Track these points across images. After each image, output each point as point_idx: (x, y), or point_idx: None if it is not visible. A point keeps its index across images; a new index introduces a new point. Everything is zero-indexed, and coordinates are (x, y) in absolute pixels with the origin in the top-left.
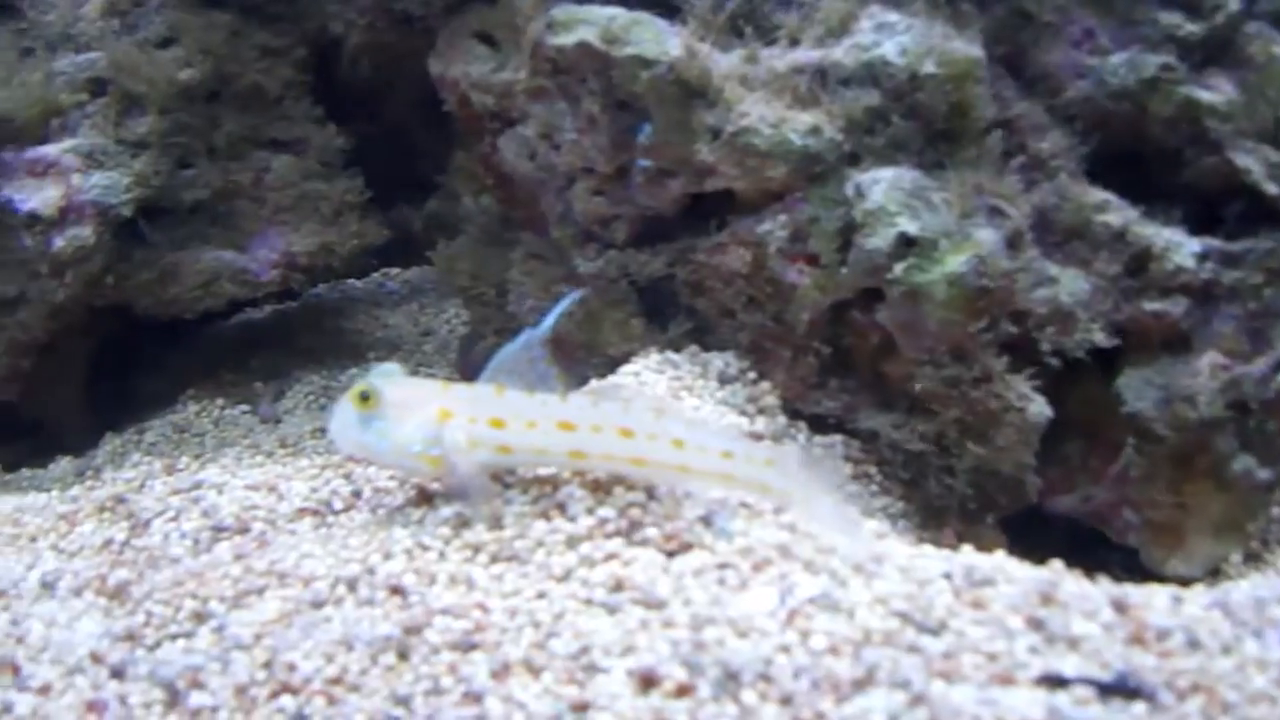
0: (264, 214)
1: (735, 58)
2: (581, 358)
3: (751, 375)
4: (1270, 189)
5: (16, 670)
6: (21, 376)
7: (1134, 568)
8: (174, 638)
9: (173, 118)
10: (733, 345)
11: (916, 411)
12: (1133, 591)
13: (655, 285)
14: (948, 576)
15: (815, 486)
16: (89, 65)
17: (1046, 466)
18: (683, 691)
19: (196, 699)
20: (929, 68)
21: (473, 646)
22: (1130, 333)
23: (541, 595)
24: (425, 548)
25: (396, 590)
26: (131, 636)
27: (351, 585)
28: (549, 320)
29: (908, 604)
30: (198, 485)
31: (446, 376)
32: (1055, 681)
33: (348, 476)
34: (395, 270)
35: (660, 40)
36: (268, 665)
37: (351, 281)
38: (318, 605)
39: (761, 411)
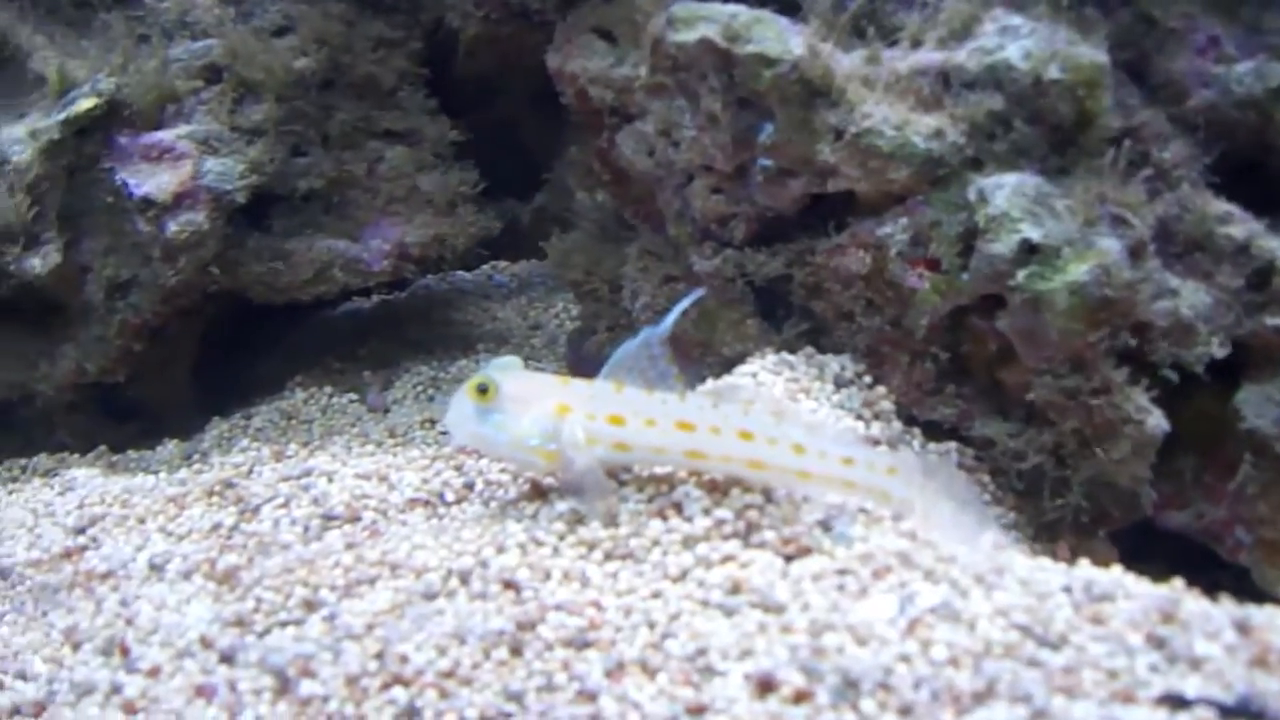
0: (377, 204)
1: (857, 58)
2: (696, 357)
3: (867, 379)
4: None
5: (126, 651)
6: (131, 359)
7: (1244, 588)
8: (284, 625)
9: (288, 106)
10: (849, 348)
11: (1033, 421)
12: (1256, 613)
13: (771, 286)
14: (1068, 590)
15: (936, 495)
16: (205, 52)
17: (1159, 481)
18: (801, 698)
19: (307, 687)
20: (1053, 73)
21: (587, 644)
22: (1251, 348)
23: (657, 595)
24: (539, 543)
25: (510, 585)
26: (241, 622)
27: (464, 578)
28: (669, 319)
29: (1028, 617)
30: (307, 473)
31: (556, 371)
32: (1177, 702)
33: (459, 468)
34: (503, 263)
35: (783, 39)
36: (379, 656)
37: (460, 273)
38: (430, 597)
39: (877, 416)
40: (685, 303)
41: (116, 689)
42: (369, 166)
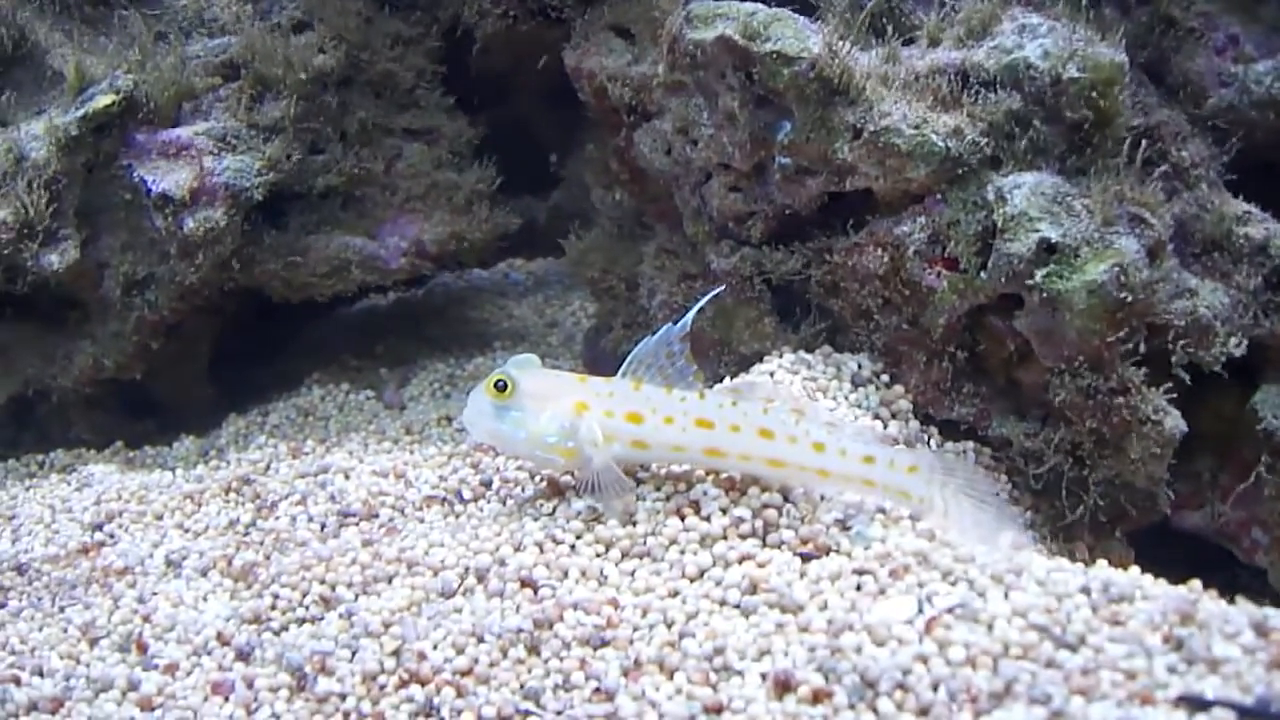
0: (395, 202)
1: (876, 57)
2: (713, 355)
3: (885, 378)
4: None
5: (143, 648)
6: (149, 356)
7: (1261, 589)
8: (301, 622)
9: (305, 103)
10: (866, 347)
11: (1050, 421)
12: (1273, 614)
13: (789, 284)
14: (1086, 591)
15: (956, 494)
16: (222, 49)
17: (1175, 481)
18: (818, 698)
19: (324, 685)
20: (1072, 72)
21: (604, 643)
22: (1269, 348)
23: (675, 594)
24: (557, 541)
25: (527, 583)
26: (258, 619)
27: (481, 576)
28: (689, 315)
29: (1046, 617)
30: (324, 470)
31: (573, 369)
32: (1195, 703)
33: (476, 466)
34: (520, 261)
35: (801, 37)
36: (397, 654)
37: (477, 271)
38: (447, 595)
39: (894, 415)
40: (704, 300)
41: (133, 685)
42: (387, 164)
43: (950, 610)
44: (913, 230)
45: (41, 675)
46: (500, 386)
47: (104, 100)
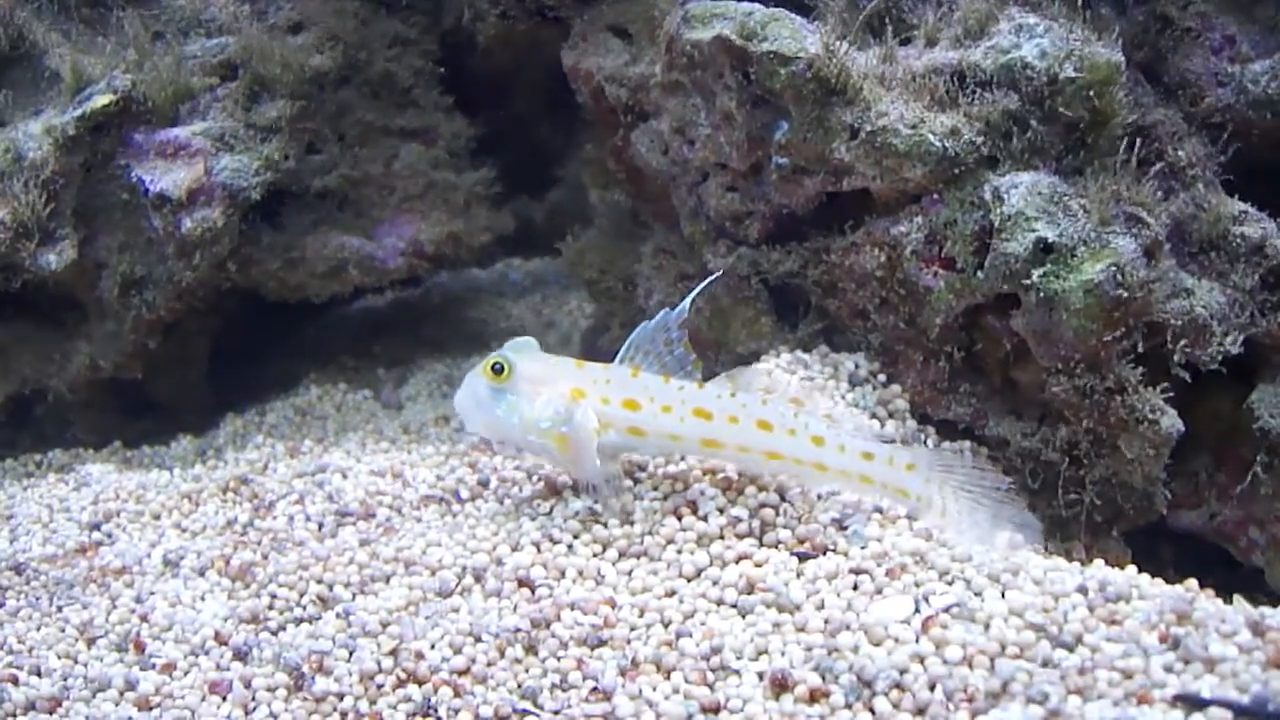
0: (392, 202)
1: (873, 56)
2: (710, 355)
3: (882, 378)
4: None
5: (141, 648)
6: (146, 355)
7: (1257, 588)
8: (299, 622)
9: (303, 103)
10: (863, 347)
11: (1047, 420)
12: (1270, 613)
13: (786, 284)
14: (1082, 590)
15: (954, 492)
16: (220, 49)
17: (1172, 481)
18: (815, 697)
19: (322, 684)
20: (1069, 71)
21: (601, 643)
22: (1266, 347)
23: (672, 593)
24: (554, 541)
25: (524, 583)
26: (255, 619)
27: (479, 576)
28: (686, 301)
29: (1043, 617)
30: (322, 469)
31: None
32: (1192, 702)
33: (473, 466)
34: (517, 261)
35: (798, 37)
36: (394, 653)
37: (475, 271)
38: (445, 594)
39: (891, 415)
40: (703, 285)
41: (131, 685)
42: (384, 164)
43: (947, 609)
44: (910, 230)
45: (39, 675)
46: (497, 369)
47: (102, 100)
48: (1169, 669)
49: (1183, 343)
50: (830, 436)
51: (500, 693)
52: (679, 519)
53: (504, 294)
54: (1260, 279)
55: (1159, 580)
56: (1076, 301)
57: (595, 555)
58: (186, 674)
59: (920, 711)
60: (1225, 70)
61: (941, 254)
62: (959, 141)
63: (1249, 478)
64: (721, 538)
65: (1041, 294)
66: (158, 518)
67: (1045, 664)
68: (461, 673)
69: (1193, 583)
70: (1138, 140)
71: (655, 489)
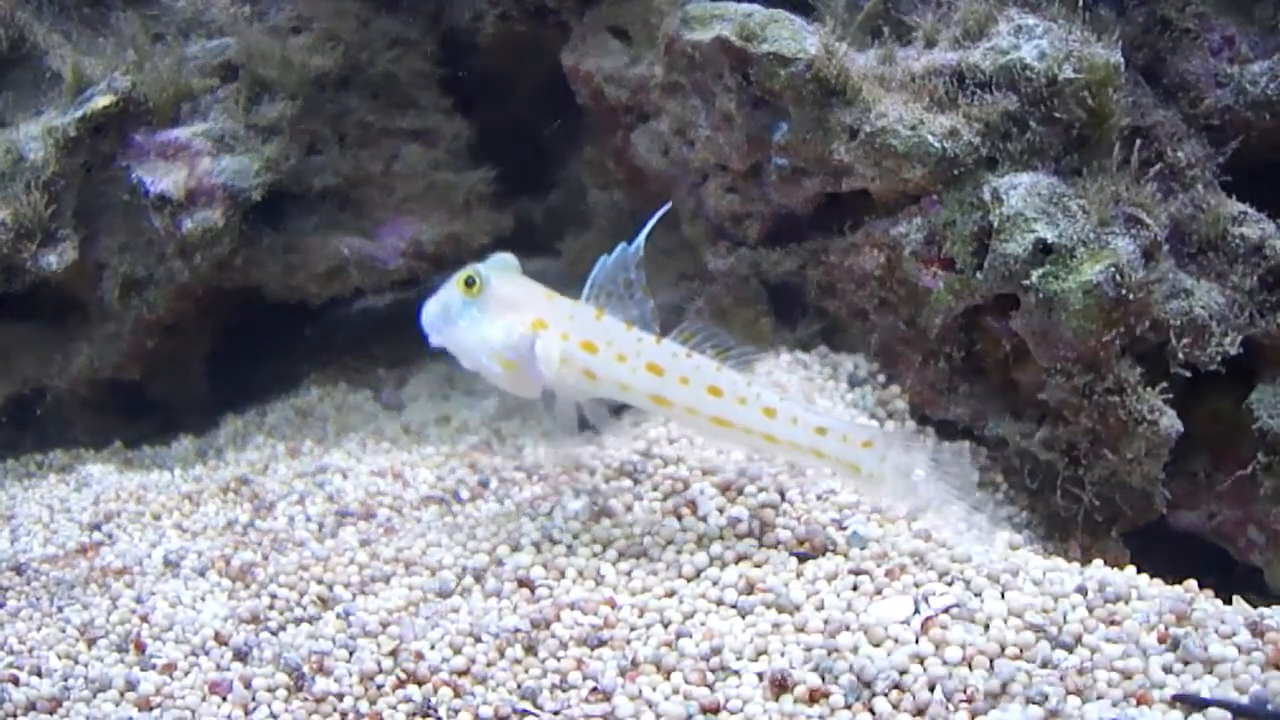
0: (392, 203)
1: (872, 58)
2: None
3: (881, 378)
4: None
5: (141, 648)
6: (146, 356)
7: (1255, 589)
8: (299, 622)
9: (303, 104)
10: (863, 347)
11: (1046, 421)
12: (1269, 614)
13: (785, 284)
14: (1082, 591)
15: (902, 471)
16: (220, 50)
17: (1171, 481)
18: (815, 697)
19: (322, 684)
20: (1068, 72)
21: (601, 643)
22: (1265, 348)
23: (671, 594)
24: (554, 541)
25: (524, 583)
26: (256, 619)
27: (479, 576)
28: (641, 238)
29: (1042, 617)
30: (322, 469)
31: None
32: (1191, 702)
33: (473, 466)
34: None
35: (798, 38)
36: (394, 654)
37: None
38: (445, 595)
39: (890, 415)
40: (655, 218)
41: (131, 685)
42: (384, 165)
43: (946, 610)
44: (909, 231)
45: (40, 675)
46: (469, 282)
47: (102, 101)
48: (1168, 669)
49: (1182, 343)
50: (783, 408)
51: (500, 693)
52: (679, 519)
53: None
54: (1259, 279)
55: (1158, 581)
56: (1076, 302)
57: (595, 555)
58: (187, 674)
59: (920, 712)
60: (1224, 71)
61: (941, 254)
62: (958, 142)
63: (1248, 478)
64: (721, 538)
65: (1041, 294)
66: (158, 518)
67: (1044, 664)
68: (461, 673)
69: (1192, 583)
70: (1137, 141)
71: (655, 489)
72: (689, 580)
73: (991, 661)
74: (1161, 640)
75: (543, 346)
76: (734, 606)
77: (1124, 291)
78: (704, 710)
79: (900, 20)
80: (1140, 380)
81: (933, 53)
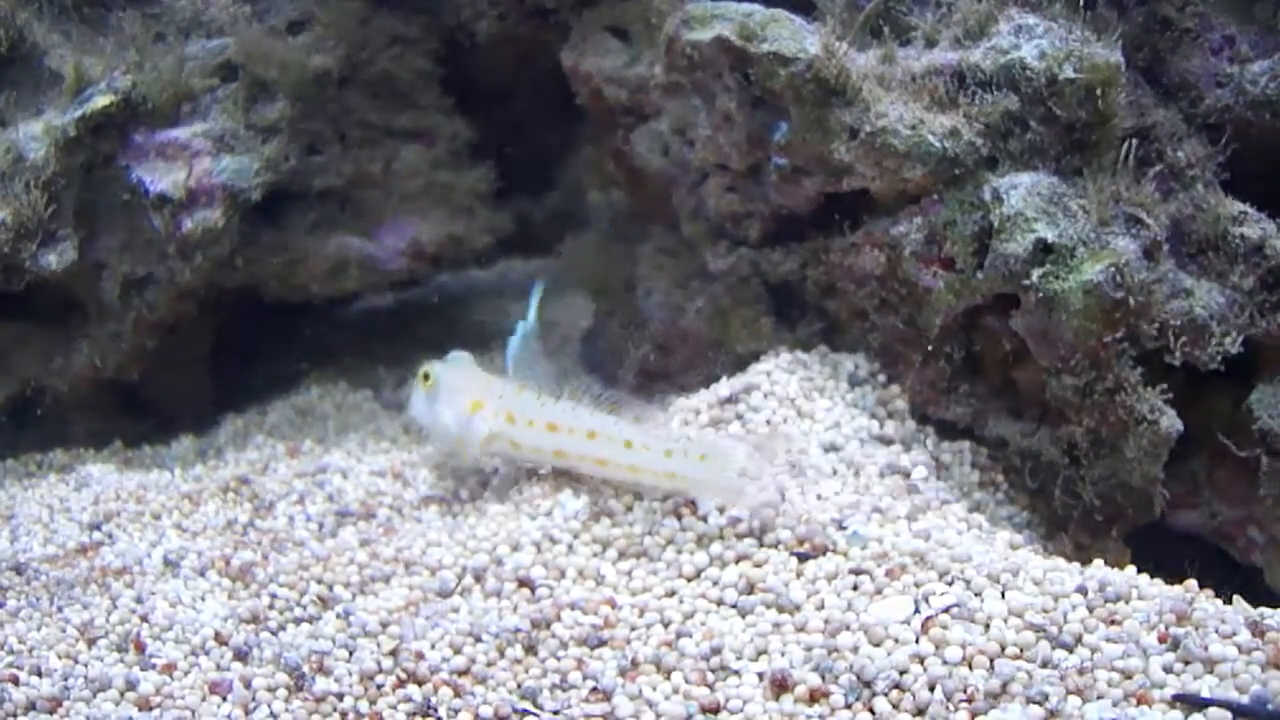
0: (392, 203)
1: (872, 57)
2: (710, 356)
3: (881, 378)
4: None
5: (141, 648)
6: (146, 356)
7: (1256, 589)
8: (299, 622)
9: (303, 104)
10: (863, 347)
11: (1046, 420)
12: (1270, 614)
13: (785, 284)
14: (1082, 591)
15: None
16: (220, 50)
17: (1170, 481)
18: (815, 697)
19: (322, 685)
20: (1068, 72)
21: (601, 643)
22: (1265, 348)
23: (672, 593)
24: (554, 541)
25: (525, 583)
26: (256, 619)
27: (479, 576)
28: (532, 314)
29: (1042, 617)
30: (322, 469)
31: (570, 370)
32: (1192, 702)
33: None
34: (517, 262)
35: (798, 37)
36: (394, 654)
37: (475, 271)
38: (445, 595)
39: (891, 415)
40: (536, 292)
41: (131, 685)
42: (385, 165)
43: (947, 610)
44: (909, 230)
45: (39, 675)
46: (425, 378)
47: (102, 101)
48: (1168, 669)
49: (1182, 343)
50: (638, 439)
51: (500, 693)
52: (679, 519)
53: (504, 294)
54: (1259, 279)
55: (1158, 581)
56: (1076, 302)
57: (595, 555)
58: (187, 674)
59: (920, 712)
60: (1224, 71)
61: (941, 254)
62: (958, 142)
63: (1248, 478)
64: (721, 538)
65: (1041, 294)
66: (158, 518)
67: (1045, 664)
68: (461, 673)
69: (1192, 583)
70: (1137, 141)
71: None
72: (689, 580)
73: (992, 661)
74: (1162, 640)
75: (476, 424)
76: (734, 606)
77: (1124, 291)
78: (704, 710)
79: (900, 20)
80: (1140, 380)
81: (933, 52)
